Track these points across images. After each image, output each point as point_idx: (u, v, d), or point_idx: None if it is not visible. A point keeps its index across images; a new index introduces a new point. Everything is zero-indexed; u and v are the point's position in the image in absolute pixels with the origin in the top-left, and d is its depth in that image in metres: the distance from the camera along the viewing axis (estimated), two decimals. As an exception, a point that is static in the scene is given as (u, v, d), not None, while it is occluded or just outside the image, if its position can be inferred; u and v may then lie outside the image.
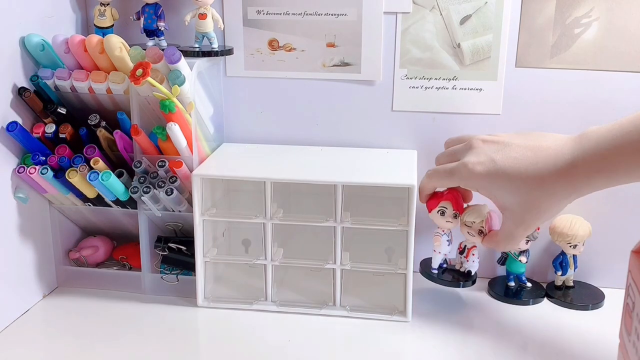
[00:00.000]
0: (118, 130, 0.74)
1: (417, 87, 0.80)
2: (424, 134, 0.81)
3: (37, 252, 0.77)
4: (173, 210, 0.76)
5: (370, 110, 0.82)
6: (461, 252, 0.75)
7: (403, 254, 0.73)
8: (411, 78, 0.80)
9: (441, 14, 0.77)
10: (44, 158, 0.73)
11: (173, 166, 0.72)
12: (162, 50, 0.70)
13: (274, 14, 0.80)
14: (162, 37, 0.78)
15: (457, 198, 0.71)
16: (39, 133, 0.74)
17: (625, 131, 0.54)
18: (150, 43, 0.78)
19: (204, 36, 0.77)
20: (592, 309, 0.77)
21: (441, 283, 0.75)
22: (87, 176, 0.71)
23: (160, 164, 0.73)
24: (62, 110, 0.75)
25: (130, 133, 0.73)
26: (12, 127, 0.70)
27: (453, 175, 0.66)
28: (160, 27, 0.77)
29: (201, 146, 0.77)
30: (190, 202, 0.75)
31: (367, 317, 0.74)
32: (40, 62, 0.74)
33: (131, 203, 0.76)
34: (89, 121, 0.74)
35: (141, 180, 0.73)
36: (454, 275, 0.76)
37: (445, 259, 0.76)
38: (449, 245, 0.75)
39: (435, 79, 0.80)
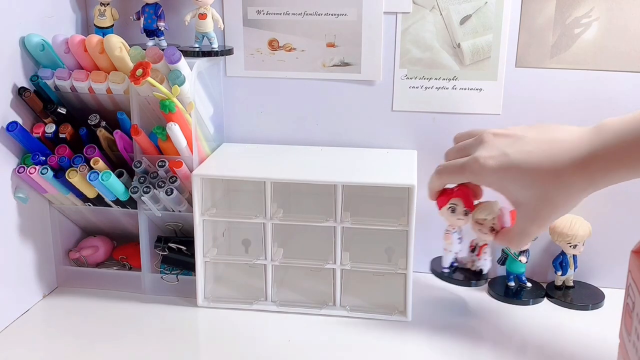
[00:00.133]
0: (118, 130, 0.74)
1: (417, 87, 0.80)
2: (424, 134, 0.81)
3: (37, 252, 0.77)
4: (173, 210, 0.76)
5: (370, 110, 0.82)
6: (472, 251, 0.74)
7: (403, 254, 0.73)
8: (411, 78, 0.80)
9: (441, 14, 0.77)
10: (44, 158, 0.73)
11: (173, 166, 0.72)
12: (162, 50, 0.70)
13: (274, 14, 0.80)
14: (162, 37, 0.78)
15: (467, 195, 0.69)
16: (39, 133, 0.74)
17: None
18: (150, 43, 0.78)
19: (204, 36, 0.77)
20: (592, 309, 0.77)
21: (453, 282, 0.74)
22: (87, 176, 0.71)
23: (160, 164, 0.73)
24: (62, 110, 0.75)
25: (130, 133, 0.73)
26: (12, 127, 0.70)
27: (464, 170, 0.64)
28: (160, 27, 0.77)
29: (201, 146, 0.77)
30: (190, 202, 0.75)
31: (367, 317, 0.74)
32: (40, 62, 0.74)
33: (131, 203, 0.76)
34: (89, 121, 0.74)
35: (141, 180, 0.73)
36: (465, 275, 0.75)
37: (456, 258, 0.75)
38: (459, 243, 0.73)
39: (435, 79, 0.80)
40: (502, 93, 0.79)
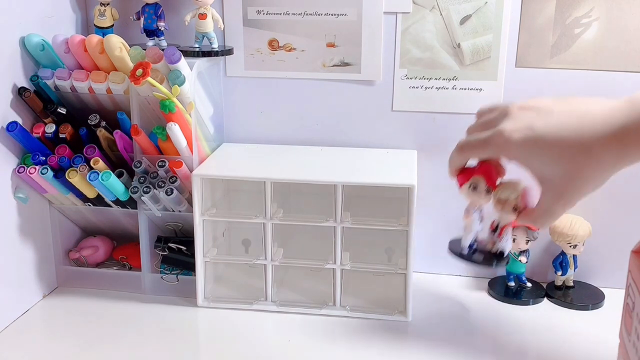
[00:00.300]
0: (118, 130, 0.74)
1: (417, 87, 0.80)
2: (424, 134, 0.81)
3: (37, 252, 0.77)
4: (173, 210, 0.76)
5: (370, 110, 0.82)
6: (494, 231, 0.71)
7: (403, 254, 0.73)
8: (411, 78, 0.80)
9: (441, 14, 0.77)
10: (44, 158, 0.73)
11: (173, 166, 0.72)
12: (162, 50, 0.70)
13: (274, 14, 0.80)
14: (162, 37, 0.78)
15: (490, 172, 0.64)
16: (39, 133, 0.74)
17: None
18: (150, 43, 0.78)
19: (204, 36, 0.77)
20: (592, 309, 0.77)
21: (473, 263, 0.71)
22: (87, 176, 0.71)
23: (160, 164, 0.73)
24: (62, 110, 0.75)
25: (130, 133, 0.73)
26: (12, 127, 0.70)
27: (487, 144, 0.60)
28: (160, 27, 0.77)
29: (201, 146, 0.77)
30: (190, 202, 0.75)
31: (367, 317, 0.74)
32: (40, 62, 0.74)
33: (131, 203, 0.76)
34: (89, 121, 0.74)
35: (141, 180, 0.73)
36: (485, 256, 0.72)
37: (476, 239, 0.73)
38: (480, 222, 0.68)
39: (435, 79, 0.80)
40: (502, 93, 0.79)
